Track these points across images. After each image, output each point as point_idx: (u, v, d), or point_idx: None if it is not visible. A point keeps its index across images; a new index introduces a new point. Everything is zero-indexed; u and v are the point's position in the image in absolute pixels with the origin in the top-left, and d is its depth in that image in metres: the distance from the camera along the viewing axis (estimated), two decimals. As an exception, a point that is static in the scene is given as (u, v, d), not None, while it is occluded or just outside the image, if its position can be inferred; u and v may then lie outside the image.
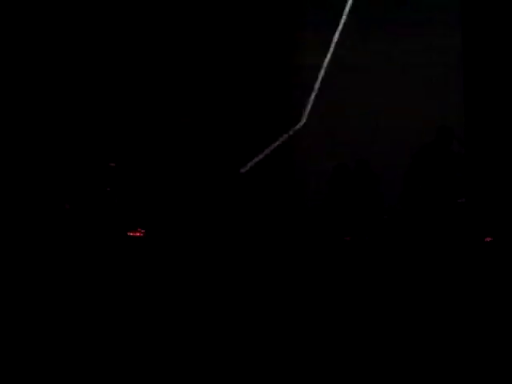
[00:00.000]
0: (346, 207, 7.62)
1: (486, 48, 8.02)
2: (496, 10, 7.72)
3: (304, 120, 8.60)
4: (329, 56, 8.83)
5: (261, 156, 8.09)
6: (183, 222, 7.23)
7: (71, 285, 5.10)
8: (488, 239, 6.15)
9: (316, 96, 8.72)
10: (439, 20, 8.52)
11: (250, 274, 5.56)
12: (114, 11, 8.15)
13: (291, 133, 8.07)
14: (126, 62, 8.41)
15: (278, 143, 8.04)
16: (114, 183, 7.51)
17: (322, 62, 8.91)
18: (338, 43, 9.01)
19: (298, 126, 8.63)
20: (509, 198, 6.67)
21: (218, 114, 8.52)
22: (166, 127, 8.63)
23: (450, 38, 8.57)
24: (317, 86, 8.77)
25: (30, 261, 5.88)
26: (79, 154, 8.12)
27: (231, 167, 6.86)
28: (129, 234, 6.98)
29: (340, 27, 8.80)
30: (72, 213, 7.21)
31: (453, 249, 5.78)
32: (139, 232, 7.06)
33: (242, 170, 7.27)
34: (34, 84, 8.14)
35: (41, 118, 8.13)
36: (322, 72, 8.79)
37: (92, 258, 6.10)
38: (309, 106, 8.60)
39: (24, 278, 5.30)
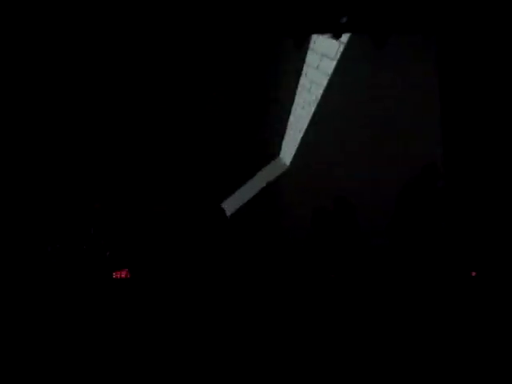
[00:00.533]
0: (328, 244, 7.73)
1: (461, 84, 8.25)
2: (471, 51, 7.99)
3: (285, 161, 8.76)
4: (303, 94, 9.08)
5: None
6: (169, 262, 7.19)
7: (57, 323, 5.03)
8: (473, 274, 6.22)
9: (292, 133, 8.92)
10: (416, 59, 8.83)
11: (237, 313, 5.54)
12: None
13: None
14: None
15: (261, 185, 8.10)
16: (98, 224, 7.46)
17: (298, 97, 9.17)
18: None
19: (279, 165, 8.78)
20: (491, 230, 6.78)
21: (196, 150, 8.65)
22: (146, 165, 8.69)
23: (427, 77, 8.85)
24: (291, 121, 8.97)
25: (12, 303, 5.78)
26: (63, 194, 8.09)
27: (212, 203, 6.87)
28: (114, 275, 6.90)
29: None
30: (55, 254, 7.12)
31: (439, 282, 5.83)
32: (125, 273, 6.99)
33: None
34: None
35: (26, 159, 8.12)
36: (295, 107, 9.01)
37: (76, 299, 6.01)
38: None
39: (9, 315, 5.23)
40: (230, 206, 8.58)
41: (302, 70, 9.48)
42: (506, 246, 6.75)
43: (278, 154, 9.28)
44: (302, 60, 9.41)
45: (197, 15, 8.12)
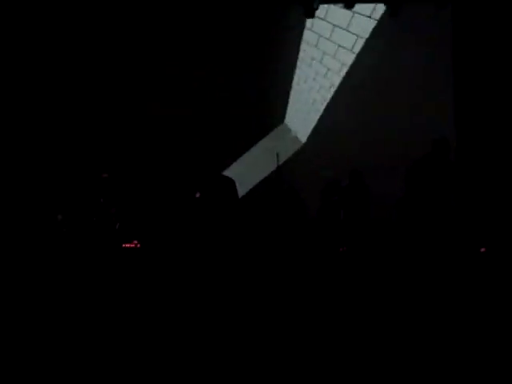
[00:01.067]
0: (339, 219, 7.78)
1: (475, 60, 8.11)
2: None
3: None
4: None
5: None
6: (178, 231, 7.21)
7: (66, 295, 5.08)
8: (483, 250, 6.21)
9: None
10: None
11: (247, 283, 5.57)
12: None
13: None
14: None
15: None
16: (107, 194, 7.47)
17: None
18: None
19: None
20: (502, 207, 6.75)
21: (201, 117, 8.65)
22: (155, 138, 8.67)
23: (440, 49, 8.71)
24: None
25: (24, 271, 5.84)
26: (72, 164, 8.09)
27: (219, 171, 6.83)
28: (124, 245, 6.95)
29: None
30: (65, 224, 7.15)
31: (448, 258, 5.82)
32: (134, 244, 7.03)
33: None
34: (25, 92, 8.13)
35: (33, 129, 8.11)
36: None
37: (86, 269, 6.06)
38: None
39: (19, 287, 5.27)
40: (237, 172, 8.51)
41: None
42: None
43: (283, 120, 9.25)
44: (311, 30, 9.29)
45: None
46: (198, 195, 5.93)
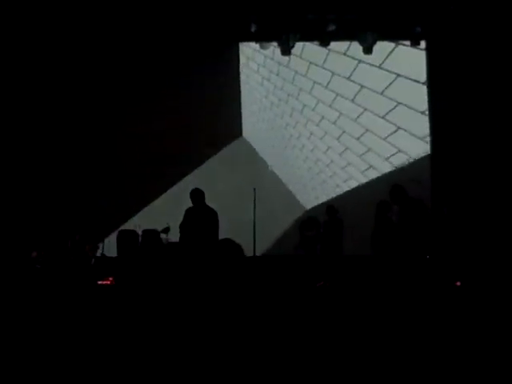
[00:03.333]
0: (315, 254, 7.83)
1: (450, 95, 8.20)
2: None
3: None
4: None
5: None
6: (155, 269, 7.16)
7: (42, 332, 4.98)
8: (458, 283, 6.25)
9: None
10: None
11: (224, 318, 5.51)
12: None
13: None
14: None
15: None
16: (83, 231, 7.44)
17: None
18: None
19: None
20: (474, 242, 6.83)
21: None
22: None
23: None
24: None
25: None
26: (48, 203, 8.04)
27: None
28: (99, 282, 6.86)
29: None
30: (39, 260, 7.07)
31: (424, 291, 5.85)
32: (109, 280, 6.94)
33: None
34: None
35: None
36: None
37: (61, 306, 5.97)
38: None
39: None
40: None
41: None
42: (491, 254, 6.80)
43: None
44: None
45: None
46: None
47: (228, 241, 6.45)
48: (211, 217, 6.44)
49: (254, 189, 7.91)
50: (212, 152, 9.15)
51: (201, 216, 6.40)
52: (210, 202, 6.77)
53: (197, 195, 6.48)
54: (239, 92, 9.44)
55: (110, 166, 8.79)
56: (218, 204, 7.23)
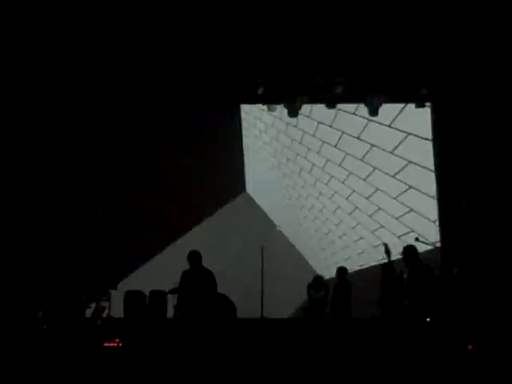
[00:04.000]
0: (324, 316, 7.81)
1: (455, 155, 8.25)
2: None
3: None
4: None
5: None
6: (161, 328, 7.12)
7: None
8: (470, 347, 6.13)
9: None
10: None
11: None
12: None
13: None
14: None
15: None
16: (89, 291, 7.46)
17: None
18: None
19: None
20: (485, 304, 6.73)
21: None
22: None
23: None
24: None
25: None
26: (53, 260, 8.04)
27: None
28: (105, 344, 6.81)
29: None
30: (45, 321, 7.06)
31: (435, 355, 5.76)
32: (115, 342, 6.89)
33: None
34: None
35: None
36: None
37: (67, 367, 5.92)
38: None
39: None
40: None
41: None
42: (505, 318, 6.69)
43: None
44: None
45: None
46: None
47: (223, 297, 6.45)
48: (208, 279, 6.51)
49: (262, 248, 7.90)
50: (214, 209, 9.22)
51: (198, 278, 6.48)
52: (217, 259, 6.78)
53: (194, 257, 6.55)
54: (242, 154, 9.59)
55: (118, 225, 8.84)
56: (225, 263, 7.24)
